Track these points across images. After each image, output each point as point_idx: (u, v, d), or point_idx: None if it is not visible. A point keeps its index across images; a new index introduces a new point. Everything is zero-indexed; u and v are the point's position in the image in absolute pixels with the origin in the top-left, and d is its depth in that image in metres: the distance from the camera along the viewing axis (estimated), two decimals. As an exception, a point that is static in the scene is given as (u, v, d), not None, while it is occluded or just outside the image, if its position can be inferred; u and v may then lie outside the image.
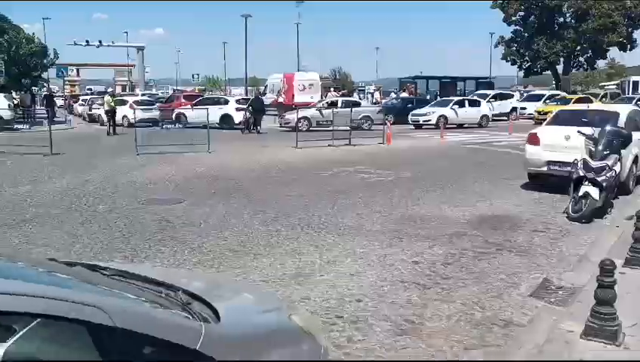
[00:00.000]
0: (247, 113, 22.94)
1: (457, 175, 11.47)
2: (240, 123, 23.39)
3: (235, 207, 8.51)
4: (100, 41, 55.67)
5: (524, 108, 31.81)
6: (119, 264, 4.14)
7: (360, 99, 37.68)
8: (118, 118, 23.04)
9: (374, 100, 42.49)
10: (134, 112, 20.86)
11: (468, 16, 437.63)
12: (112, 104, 22.54)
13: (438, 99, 30.72)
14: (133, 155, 14.67)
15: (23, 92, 31.04)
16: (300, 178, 11.27)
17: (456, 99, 28.24)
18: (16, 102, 33.96)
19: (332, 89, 48.05)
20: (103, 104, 23.36)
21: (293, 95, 34.53)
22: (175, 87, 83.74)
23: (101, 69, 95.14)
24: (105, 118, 23.76)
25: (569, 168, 8.15)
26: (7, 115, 22.15)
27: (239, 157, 14.49)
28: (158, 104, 32.91)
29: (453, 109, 26.45)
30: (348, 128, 18.95)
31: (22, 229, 7.13)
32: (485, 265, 5.69)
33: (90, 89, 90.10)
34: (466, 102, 27.47)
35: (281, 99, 34.06)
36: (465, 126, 25.98)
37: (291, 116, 23.26)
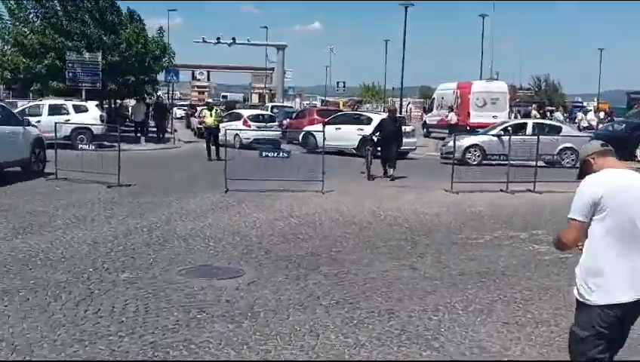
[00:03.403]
0: (370, 146, 18.57)
1: None
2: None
3: (310, 292, 7.27)
4: (234, 39, 59.35)
5: None
6: None
7: (568, 119, 34.63)
8: (229, 136, 23.14)
9: (586, 124, 38.90)
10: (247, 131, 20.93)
11: None
12: (213, 118, 22.68)
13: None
14: (220, 191, 14.41)
15: (137, 101, 33.38)
16: (435, 244, 9.94)
17: None
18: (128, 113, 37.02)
19: (534, 106, 45.25)
20: (203, 117, 23.66)
21: (468, 113, 33.06)
22: (323, 98, 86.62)
23: (237, 72, 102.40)
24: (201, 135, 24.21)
25: None
26: (97, 128, 23.49)
27: (360, 204, 13.53)
28: (287, 120, 33.54)
29: None
30: (535, 164, 16.89)
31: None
32: None
33: (226, 96, 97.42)
34: None
35: (452, 119, 32.57)
36: None
37: (457, 143, 21.51)
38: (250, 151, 18.90)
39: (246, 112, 30.86)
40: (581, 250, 4.12)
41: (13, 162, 15.77)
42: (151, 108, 34.47)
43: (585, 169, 4.27)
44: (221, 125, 23.08)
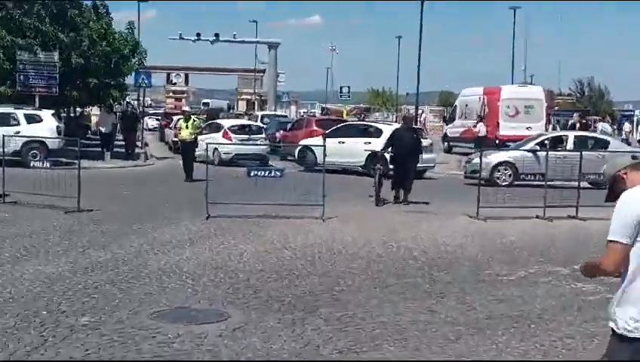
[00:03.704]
0: (380, 163, 18.24)
1: None
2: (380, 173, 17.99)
3: (307, 339, 7.33)
4: (217, 35, 59.85)
5: None
6: None
7: (616, 130, 34.88)
8: (209, 151, 23.21)
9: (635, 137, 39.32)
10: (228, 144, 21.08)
11: None
12: (189, 131, 22.72)
13: None
14: (200, 218, 14.48)
15: (103, 109, 33.59)
16: (458, 282, 10.02)
17: None
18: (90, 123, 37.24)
19: (576, 115, 45.52)
20: (179, 128, 23.80)
21: (497, 123, 33.33)
22: (324, 105, 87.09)
23: (220, 75, 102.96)
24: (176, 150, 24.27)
25: None
26: (53, 142, 23.63)
27: (367, 233, 13.60)
28: (280, 132, 33.73)
29: None
30: (577, 186, 16.97)
31: None
32: None
33: (207, 104, 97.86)
34: None
35: (481, 130, 32.68)
36: None
37: (484, 159, 21.63)
38: (237, 168, 19.00)
39: (227, 122, 31.21)
40: (618, 276, 4.17)
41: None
42: (118, 118, 34.65)
43: (616, 187, 4.31)
44: (200, 138, 23.20)
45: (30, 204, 15.58)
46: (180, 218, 14.67)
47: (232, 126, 29.80)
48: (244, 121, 34.63)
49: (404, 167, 17.98)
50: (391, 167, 18.55)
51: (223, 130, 28.68)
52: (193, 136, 22.81)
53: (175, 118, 38.72)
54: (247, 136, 28.99)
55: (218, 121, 33.57)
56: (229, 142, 27.47)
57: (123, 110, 36.67)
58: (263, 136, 30.67)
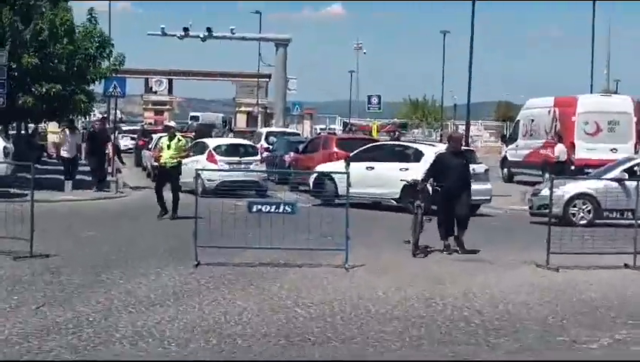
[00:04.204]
0: (421, 198, 17.93)
1: None
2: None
3: None
4: (209, 30, 59.97)
5: None
6: None
7: None
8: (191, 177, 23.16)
9: None
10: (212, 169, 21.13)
11: None
12: (171, 152, 22.53)
13: None
14: (187, 265, 14.57)
15: (66, 127, 33.77)
16: (524, 350, 10.03)
17: None
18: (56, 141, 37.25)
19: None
20: (159, 150, 23.79)
21: (572, 144, 33.26)
22: (346, 119, 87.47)
23: (214, 81, 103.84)
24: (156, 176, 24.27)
25: None
26: (0, 168, 23.80)
27: (404, 287, 13.62)
28: (291, 154, 33.90)
29: None
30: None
31: None
32: None
33: (196, 118, 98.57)
34: None
35: (561, 154, 32.55)
36: None
37: (556, 191, 21.54)
38: (236, 200, 19.01)
39: (212, 142, 31.85)
40: None
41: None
42: (86, 138, 34.56)
43: None
44: (184, 161, 23.34)
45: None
46: (162, 265, 14.69)
47: (219, 146, 30.41)
48: (234, 140, 34.92)
49: (454, 202, 17.51)
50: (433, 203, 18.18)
51: (207, 152, 29.23)
52: (176, 161, 22.66)
53: (155, 136, 38.94)
54: (237, 159, 29.74)
55: (205, 140, 34.15)
56: (215, 166, 28.00)
57: (89, 127, 36.71)
58: (257, 158, 31.30)
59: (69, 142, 31.15)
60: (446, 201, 17.64)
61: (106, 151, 33.66)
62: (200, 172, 25.41)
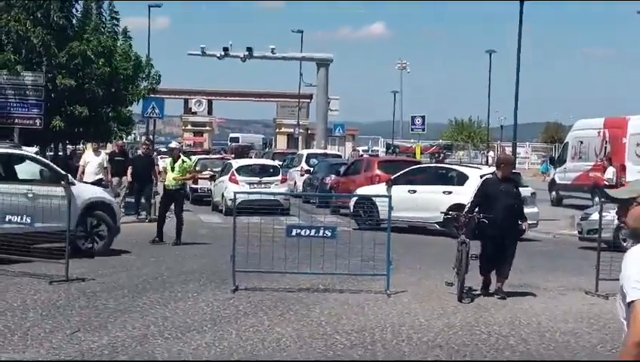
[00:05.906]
0: (464, 229, 15.78)
1: None
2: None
3: None
4: (250, 50, 60.11)
5: None
6: None
7: None
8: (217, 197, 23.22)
9: None
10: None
11: None
12: (174, 174, 22.09)
13: None
14: (225, 291, 14.62)
15: (93, 145, 33.72)
16: None
17: None
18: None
19: None
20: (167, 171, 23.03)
21: (623, 166, 32.86)
22: (389, 141, 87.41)
23: (254, 101, 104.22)
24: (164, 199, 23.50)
25: None
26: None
27: (448, 314, 13.59)
28: (332, 177, 33.91)
29: None
30: None
31: None
32: None
33: (236, 139, 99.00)
34: None
35: (612, 177, 32.20)
36: None
37: (606, 215, 21.27)
38: (274, 225, 18.98)
39: (236, 163, 32.70)
40: None
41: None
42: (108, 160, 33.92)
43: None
44: (215, 181, 23.66)
45: (4, 271, 15.82)
46: (199, 290, 14.79)
47: (240, 167, 31.15)
48: (257, 161, 35.40)
49: (500, 241, 15.33)
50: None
51: (230, 172, 30.02)
52: (180, 183, 22.57)
53: (193, 158, 38.65)
54: (257, 179, 30.52)
55: (232, 161, 35.12)
56: (237, 186, 28.50)
57: (136, 155, 35.90)
58: (279, 178, 32.05)
59: (92, 164, 29.06)
60: (491, 239, 15.37)
61: (152, 177, 32.99)
62: (224, 192, 26.00)
